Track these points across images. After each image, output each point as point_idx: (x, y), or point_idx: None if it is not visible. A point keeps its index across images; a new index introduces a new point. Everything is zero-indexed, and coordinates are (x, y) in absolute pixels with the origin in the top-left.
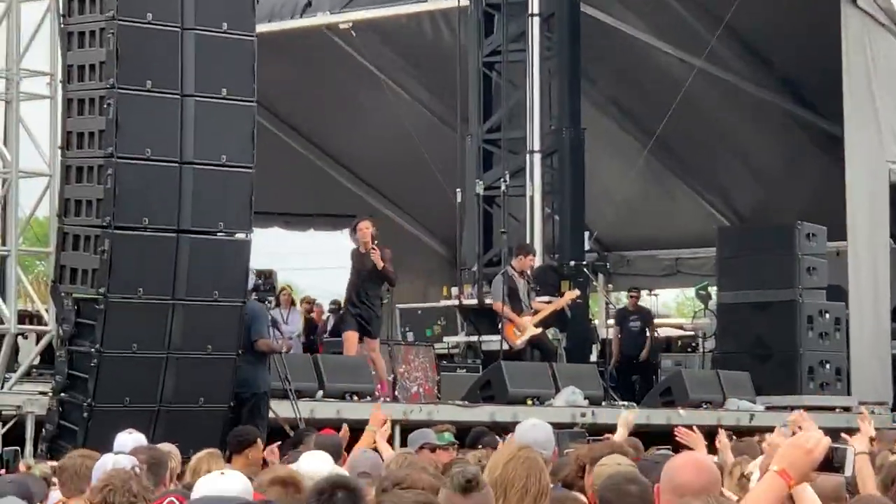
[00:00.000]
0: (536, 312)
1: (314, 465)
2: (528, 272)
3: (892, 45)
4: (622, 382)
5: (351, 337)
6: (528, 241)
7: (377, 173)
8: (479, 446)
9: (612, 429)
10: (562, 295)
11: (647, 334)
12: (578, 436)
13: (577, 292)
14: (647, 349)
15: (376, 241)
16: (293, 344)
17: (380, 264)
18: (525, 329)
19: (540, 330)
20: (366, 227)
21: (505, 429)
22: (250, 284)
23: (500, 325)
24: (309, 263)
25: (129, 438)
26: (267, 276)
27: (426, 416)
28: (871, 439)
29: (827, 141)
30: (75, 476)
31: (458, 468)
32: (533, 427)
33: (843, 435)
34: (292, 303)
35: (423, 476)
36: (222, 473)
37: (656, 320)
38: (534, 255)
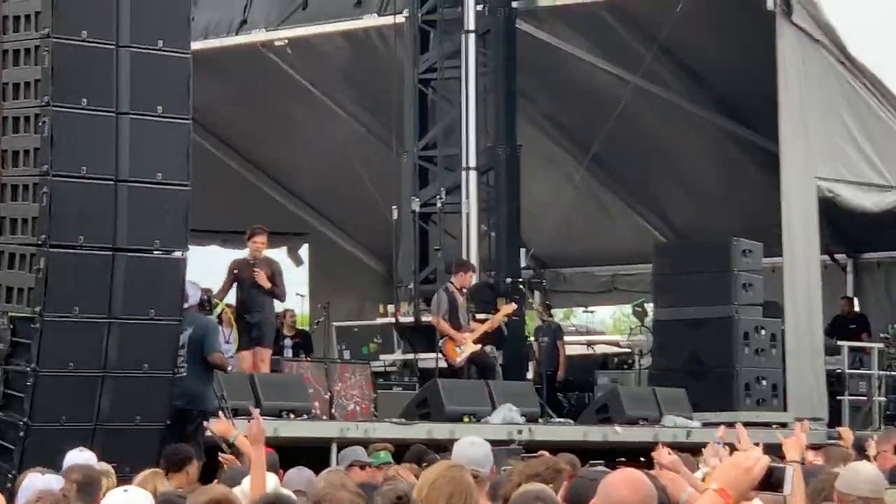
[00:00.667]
0: (474, 330)
1: None
2: (467, 289)
3: (826, 61)
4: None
5: (245, 357)
6: (464, 258)
7: (314, 191)
8: (424, 464)
9: (549, 446)
10: (498, 311)
11: (559, 350)
12: (515, 452)
13: (513, 306)
14: (562, 368)
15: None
16: (234, 367)
17: (265, 285)
18: (465, 346)
19: (479, 346)
20: (260, 242)
21: (443, 447)
22: (197, 299)
23: (439, 342)
24: None
25: (80, 457)
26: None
27: (363, 433)
28: (805, 450)
29: (761, 157)
30: None
31: (389, 486)
32: (471, 445)
33: (780, 437)
34: (232, 323)
35: (342, 494)
36: (125, 490)
37: (592, 337)
38: (474, 272)
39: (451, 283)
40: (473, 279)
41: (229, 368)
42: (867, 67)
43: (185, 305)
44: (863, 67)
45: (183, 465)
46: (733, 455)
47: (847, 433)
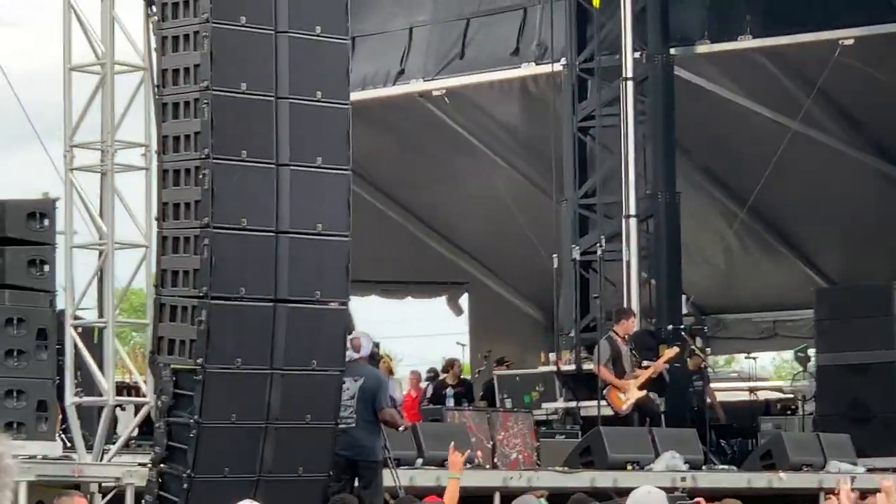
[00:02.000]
0: (637, 377)
1: None
2: (629, 336)
3: None
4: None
5: None
6: (625, 306)
7: (473, 240)
8: None
9: (713, 493)
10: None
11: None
12: (679, 500)
13: (675, 350)
14: (717, 413)
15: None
16: (409, 426)
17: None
18: (629, 392)
19: (644, 393)
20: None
21: (606, 495)
22: (369, 350)
23: (603, 391)
24: (406, 331)
25: None
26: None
27: (526, 482)
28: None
29: None
30: None
31: None
32: (648, 494)
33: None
34: (391, 372)
35: None
36: None
37: (755, 383)
38: (634, 318)
39: (614, 331)
40: (635, 326)
41: (401, 428)
42: None
43: (357, 356)
44: None
45: None
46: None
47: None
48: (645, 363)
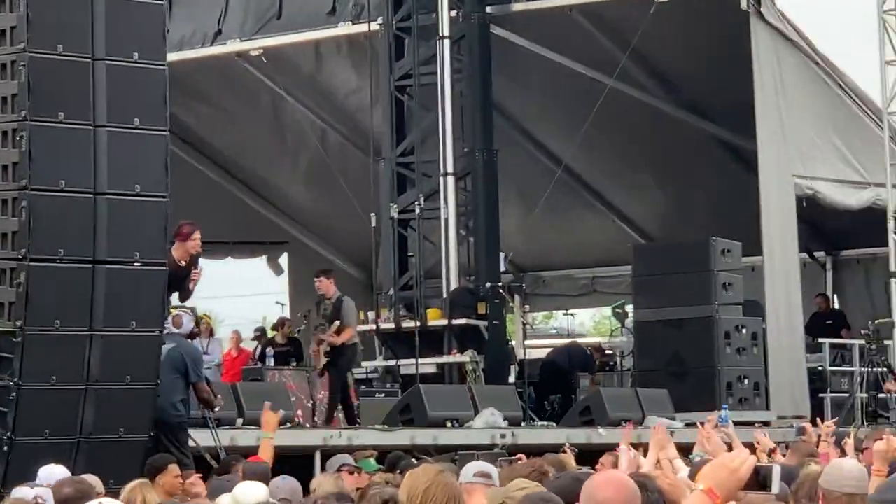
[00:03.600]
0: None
1: (250, 494)
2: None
3: (800, 59)
4: (540, 403)
5: None
6: (443, 264)
7: (292, 200)
8: (398, 471)
9: (532, 449)
10: (480, 316)
11: None
12: (499, 456)
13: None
14: None
15: None
16: (221, 403)
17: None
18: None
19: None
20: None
21: (425, 451)
22: (189, 328)
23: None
24: (226, 291)
25: (52, 473)
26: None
27: (346, 441)
28: (772, 451)
29: (737, 156)
30: None
31: (375, 490)
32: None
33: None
34: (211, 332)
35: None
36: (100, 502)
37: (573, 340)
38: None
39: None
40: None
41: (216, 408)
42: (837, 66)
43: (176, 331)
44: (833, 65)
45: (160, 471)
46: (720, 455)
47: (810, 429)
48: (461, 321)
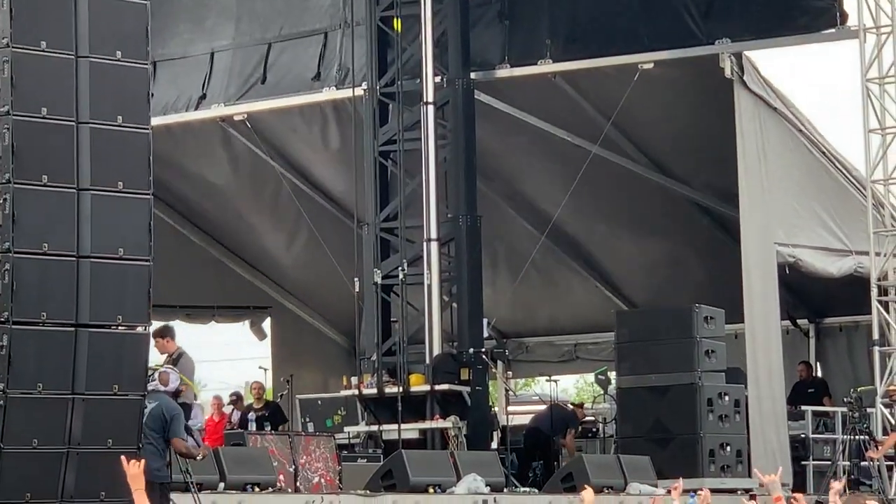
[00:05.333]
0: None
1: None
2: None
3: (783, 127)
4: (523, 469)
5: None
6: (426, 330)
7: (275, 265)
8: None
9: None
10: (462, 382)
11: None
12: None
13: None
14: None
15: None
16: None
17: None
18: None
19: None
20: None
21: None
22: (174, 386)
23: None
24: (210, 356)
25: None
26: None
27: None
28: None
29: (720, 223)
30: None
31: None
32: None
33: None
34: (194, 397)
35: None
36: None
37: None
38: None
39: None
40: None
41: (199, 457)
42: (820, 133)
43: (162, 389)
44: (817, 133)
45: None
46: None
47: (801, 499)
48: (444, 387)
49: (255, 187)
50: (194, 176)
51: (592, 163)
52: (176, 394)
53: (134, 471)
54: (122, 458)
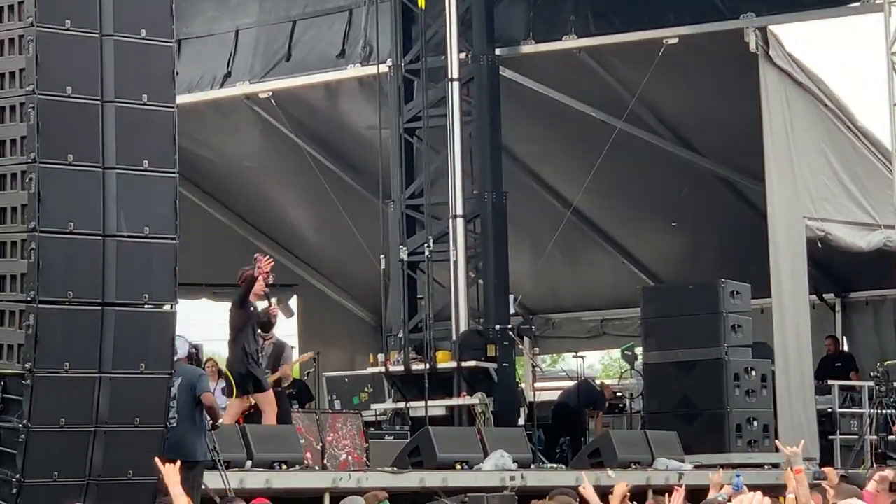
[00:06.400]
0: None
1: None
2: None
3: (808, 100)
4: (550, 445)
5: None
6: (453, 306)
7: (302, 242)
8: None
9: (541, 491)
10: (489, 359)
11: None
12: (508, 500)
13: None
14: None
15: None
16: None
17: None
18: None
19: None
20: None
21: (435, 493)
22: (185, 352)
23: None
24: None
25: None
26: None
27: (355, 483)
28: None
29: (746, 198)
30: None
31: None
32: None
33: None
34: (219, 374)
35: None
36: None
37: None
38: None
39: None
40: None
41: (220, 419)
42: (847, 107)
43: (175, 358)
44: (843, 107)
45: None
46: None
47: (832, 473)
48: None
49: (281, 165)
50: (220, 154)
51: (617, 139)
52: (189, 358)
53: (168, 471)
54: (157, 461)
